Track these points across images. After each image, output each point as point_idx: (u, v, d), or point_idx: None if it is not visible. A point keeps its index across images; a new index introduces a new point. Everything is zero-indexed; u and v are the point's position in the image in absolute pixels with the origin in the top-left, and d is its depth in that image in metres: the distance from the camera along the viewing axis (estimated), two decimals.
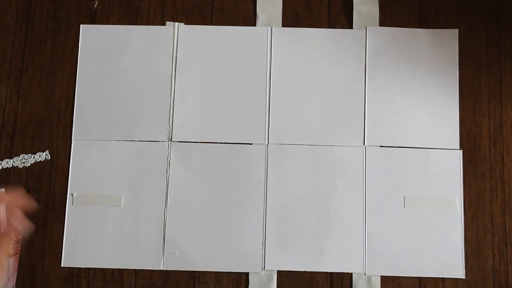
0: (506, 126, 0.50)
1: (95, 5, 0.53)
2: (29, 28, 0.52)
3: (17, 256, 0.48)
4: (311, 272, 0.48)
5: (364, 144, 0.50)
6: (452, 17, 0.52)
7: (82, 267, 0.48)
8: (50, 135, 0.50)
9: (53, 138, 0.50)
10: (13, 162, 0.49)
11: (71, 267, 0.48)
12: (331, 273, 0.48)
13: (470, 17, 0.52)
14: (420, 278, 0.48)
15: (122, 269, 0.48)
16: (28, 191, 0.49)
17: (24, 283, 0.48)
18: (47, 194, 0.49)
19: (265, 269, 0.48)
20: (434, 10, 0.52)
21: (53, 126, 0.50)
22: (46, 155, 0.49)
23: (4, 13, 0.52)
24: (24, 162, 0.49)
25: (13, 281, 0.47)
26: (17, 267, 0.47)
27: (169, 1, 0.53)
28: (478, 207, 0.49)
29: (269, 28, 0.52)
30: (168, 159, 0.49)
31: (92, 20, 0.52)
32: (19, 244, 0.48)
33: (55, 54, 0.52)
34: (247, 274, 0.48)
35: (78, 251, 0.48)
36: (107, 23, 0.52)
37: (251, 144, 0.50)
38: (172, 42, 0.51)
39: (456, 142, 0.50)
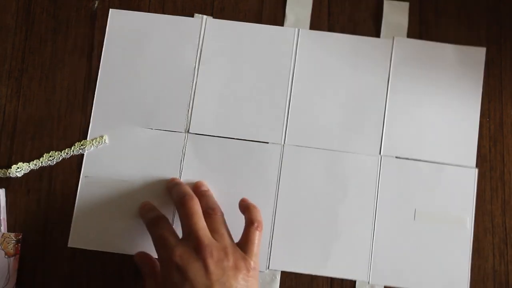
0: (506, 126, 0.50)
1: (95, 5, 0.53)
2: (29, 28, 0.52)
3: (17, 256, 0.48)
4: (312, 275, 0.48)
5: (380, 153, 0.50)
6: (452, 17, 0.52)
7: (90, 249, 0.48)
8: (50, 135, 0.50)
9: (53, 138, 0.50)
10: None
11: (73, 258, 0.48)
12: (332, 277, 0.48)
13: (470, 17, 0.52)
14: None
15: (122, 270, 0.48)
16: (28, 191, 0.49)
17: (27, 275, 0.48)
18: (47, 193, 0.49)
19: (269, 268, 0.48)
20: (434, 10, 0.52)
21: (53, 126, 0.50)
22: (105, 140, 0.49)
23: (4, 13, 0.52)
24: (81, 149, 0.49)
25: (13, 281, 0.47)
26: (17, 267, 0.47)
27: (169, 1, 0.53)
28: (478, 207, 0.49)
29: (296, 30, 0.52)
30: (184, 150, 0.49)
31: (92, 20, 0.52)
32: (19, 244, 0.48)
33: (55, 54, 0.52)
34: None
35: (87, 233, 0.48)
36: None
37: (267, 143, 0.50)
38: (198, 34, 0.51)
39: (472, 160, 0.50)
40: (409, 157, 0.50)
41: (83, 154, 0.50)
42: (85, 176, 0.49)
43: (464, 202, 0.49)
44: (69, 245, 0.48)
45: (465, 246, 0.48)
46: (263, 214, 0.48)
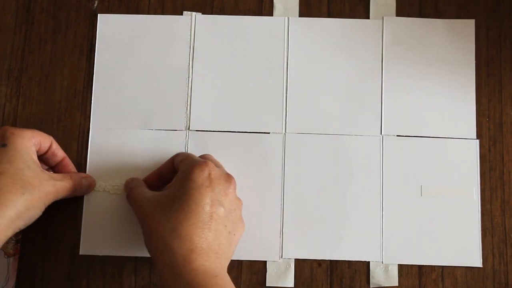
0: (506, 126, 0.51)
1: (95, 5, 0.53)
2: (29, 28, 0.52)
3: (17, 256, 0.48)
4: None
5: (381, 133, 0.50)
6: (452, 17, 0.52)
7: (99, 255, 0.48)
8: (49, 135, 0.50)
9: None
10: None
11: (73, 258, 0.48)
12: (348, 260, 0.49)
13: (470, 17, 0.52)
14: (437, 267, 0.48)
15: (122, 270, 0.48)
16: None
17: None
18: None
19: (283, 257, 0.48)
20: (433, 10, 0.52)
21: (53, 126, 0.50)
22: None
23: (4, 13, 0.52)
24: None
25: (12, 281, 0.47)
26: (17, 267, 0.47)
27: (169, 1, 0.53)
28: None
29: (286, 18, 0.52)
30: (186, 148, 0.50)
31: (92, 20, 0.52)
32: (19, 244, 0.48)
33: (55, 54, 0.52)
34: (264, 262, 0.48)
35: (96, 239, 0.48)
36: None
37: (269, 133, 0.50)
38: (189, 32, 0.52)
39: (473, 132, 0.50)
40: (410, 135, 0.50)
41: (86, 159, 0.50)
42: None
43: (468, 174, 0.49)
44: (80, 253, 0.48)
45: (473, 217, 0.49)
46: (271, 205, 0.49)
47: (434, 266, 0.48)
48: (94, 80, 0.51)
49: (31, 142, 0.43)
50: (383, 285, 0.48)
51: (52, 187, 0.43)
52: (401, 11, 0.52)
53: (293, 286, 0.48)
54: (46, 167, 0.47)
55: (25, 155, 0.42)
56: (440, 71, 0.51)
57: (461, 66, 0.51)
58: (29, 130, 0.44)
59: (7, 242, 0.47)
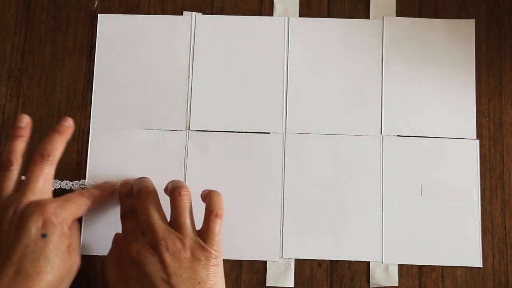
0: (506, 126, 0.51)
1: (95, 5, 0.53)
2: (29, 28, 0.52)
3: None
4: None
5: (381, 133, 0.50)
6: (452, 17, 0.52)
7: (99, 255, 0.48)
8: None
9: None
10: (72, 185, 0.48)
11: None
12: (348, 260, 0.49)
13: (470, 17, 0.52)
14: (437, 267, 0.48)
15: None
16: None
17: None
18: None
19: (283, 257, 0.48)
20: (434, 10, 0.52)
21: (53, 126, 0.50)
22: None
23: (4, 13, 0.52)
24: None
25: None
26: None
27: (169, 1, 0.53)
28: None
29: (286, 18, 0.52)
30: (186, 148, 0.50)
31: (92, 20, 0.52)
32: None
33: (55, 54, 0.52)
34: (264, 262, 0.48)
35: (96, 239, 0.48)
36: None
37: (269, 133, 0.50)
38: (189, 32, 0.52)
39: (473, 132, 0.50)
40: (410, 135, 0.50)
41: (86, 159, 0.50)
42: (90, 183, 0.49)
43: (468, 174, 0.49)
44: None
45: (474, 217, 0.49)
46: (271, 205, 0.49)
47: (434, 266, 0.48)
48: (94, 80, 0.51)
49: (68, 231, 0.42)
50: (383, 285, 0.48)
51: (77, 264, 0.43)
52: (401, 11, 0.52)
53: (293, 286, 0.48)
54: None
55: (61, 247, 0.41)
56: (440, 71, 0.51)
57: (461, 66, 0.51)
58: (71, 216, 0.42)
59: None
